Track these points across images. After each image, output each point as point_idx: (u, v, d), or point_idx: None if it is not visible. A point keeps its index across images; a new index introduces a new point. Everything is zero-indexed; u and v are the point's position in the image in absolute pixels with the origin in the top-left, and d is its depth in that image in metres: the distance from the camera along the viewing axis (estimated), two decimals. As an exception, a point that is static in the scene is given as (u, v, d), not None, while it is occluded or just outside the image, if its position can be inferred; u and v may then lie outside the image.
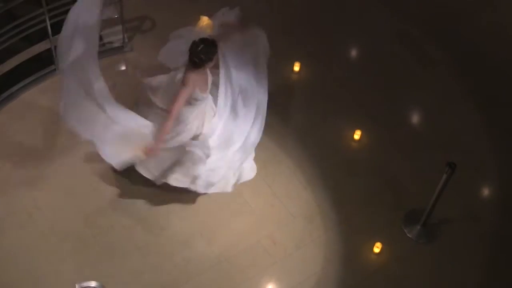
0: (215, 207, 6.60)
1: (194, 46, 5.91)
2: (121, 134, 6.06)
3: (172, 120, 5.94)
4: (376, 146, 7.22)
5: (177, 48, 6.68)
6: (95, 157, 6.44)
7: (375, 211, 6.72)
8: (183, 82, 5.92)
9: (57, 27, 7.24)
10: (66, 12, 7.07)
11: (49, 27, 7.03)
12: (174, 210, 6.56)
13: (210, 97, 6.29)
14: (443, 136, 7.34)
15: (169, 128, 6.00)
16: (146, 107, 6.36)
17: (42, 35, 7.24)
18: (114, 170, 6.50)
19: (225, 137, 6.31)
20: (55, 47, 7.24)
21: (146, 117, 6.20)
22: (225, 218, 6.58)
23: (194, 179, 6.23)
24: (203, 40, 5.93)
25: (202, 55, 5.90)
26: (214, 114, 6.33)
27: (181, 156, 6.15)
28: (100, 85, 6.00)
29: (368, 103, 7.52)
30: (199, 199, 6.58)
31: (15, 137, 6.92)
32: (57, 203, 6.50)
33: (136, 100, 6.60)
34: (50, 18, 7.00)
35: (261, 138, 7.04)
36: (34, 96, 7.27)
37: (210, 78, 6.15)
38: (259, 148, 7.03)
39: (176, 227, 6.43)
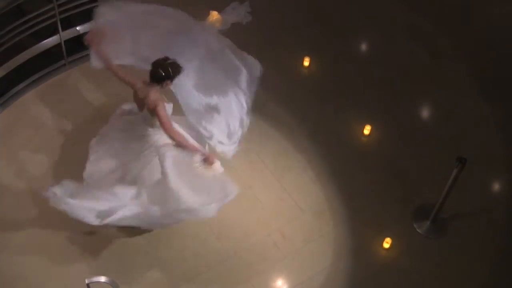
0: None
1: (160, 60, 5.73)
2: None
3: (177, 135, 5.76)
4: (386, 141, 7.19)
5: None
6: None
7: (384, 206, 6.71)
8: (154, 102, 5.70)
9: (67, 23, 7.28)
10: (76, 7, 7.14)
11: (59, 23, 7.04)
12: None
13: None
14: (453, 131, 7.30)
15: (184, 140, 5.79)
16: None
17: (51, 31, 7.25)
18: None
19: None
20: (65, 42, 7.28)
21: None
22: (235, 212, 6.57)
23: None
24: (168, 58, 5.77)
25: (170, 68, 5.71)
26: None
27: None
28: None
29: (378, 98, 7.49)
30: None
31: (24, 132, 6.95)
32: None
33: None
34: (60, 14, 7.00)
35: (271, 133, 7.07)
36: (44, 91, 7.29)
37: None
38: (269, 142, 7.04)
39: (185, 221, 6.43)
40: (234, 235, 6.47)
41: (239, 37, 6.92)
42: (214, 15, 7.76)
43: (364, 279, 6.28)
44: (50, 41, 7.29)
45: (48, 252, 6.23)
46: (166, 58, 5.77)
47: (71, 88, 7.32)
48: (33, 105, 7.17)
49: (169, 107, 5.81)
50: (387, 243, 6.44)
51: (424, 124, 7.43)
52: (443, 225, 6.60)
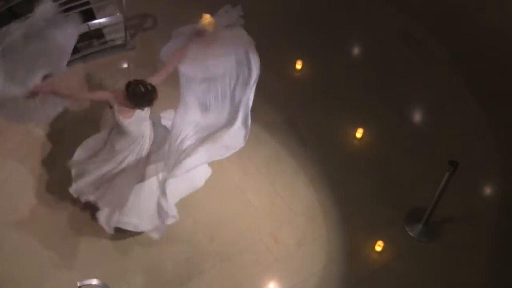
0: (217, 205, 6.60)
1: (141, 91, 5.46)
2: None
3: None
4: (378, 144, 7.21)
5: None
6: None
7: (377, 209, 6.71)
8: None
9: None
10: (68, 10, 7.12)
11: (50, 25, 7.02)
12: (176, 208, 6.54)
13: (148, 122, 5.82)
14: (445, 135, 7.32)
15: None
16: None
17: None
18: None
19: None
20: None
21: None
22: (227, 216, 6.57)
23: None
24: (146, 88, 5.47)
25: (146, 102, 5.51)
26: None
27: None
28: None
29: (370, 102, 7.50)
30: (201, 197, 6.57)
31: (17, 134, 6.92)
32: (59, 201, 6.50)
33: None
34: (52, 16, 6.98)
35: (263, 136, 7.06)
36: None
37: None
38: (261, 146, 7.03)
39: (178, 225, 6.42)
40: (227, 239, 6.45)
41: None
42: (207, 18, 7.76)
43: (356, 282, 6.28)
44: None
45: (40, 256, 6.20)
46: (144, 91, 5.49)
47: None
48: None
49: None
50: (379, 246, 6.44)
51: (416, 128, 7.45)
52: (435, 229, 6.61)
